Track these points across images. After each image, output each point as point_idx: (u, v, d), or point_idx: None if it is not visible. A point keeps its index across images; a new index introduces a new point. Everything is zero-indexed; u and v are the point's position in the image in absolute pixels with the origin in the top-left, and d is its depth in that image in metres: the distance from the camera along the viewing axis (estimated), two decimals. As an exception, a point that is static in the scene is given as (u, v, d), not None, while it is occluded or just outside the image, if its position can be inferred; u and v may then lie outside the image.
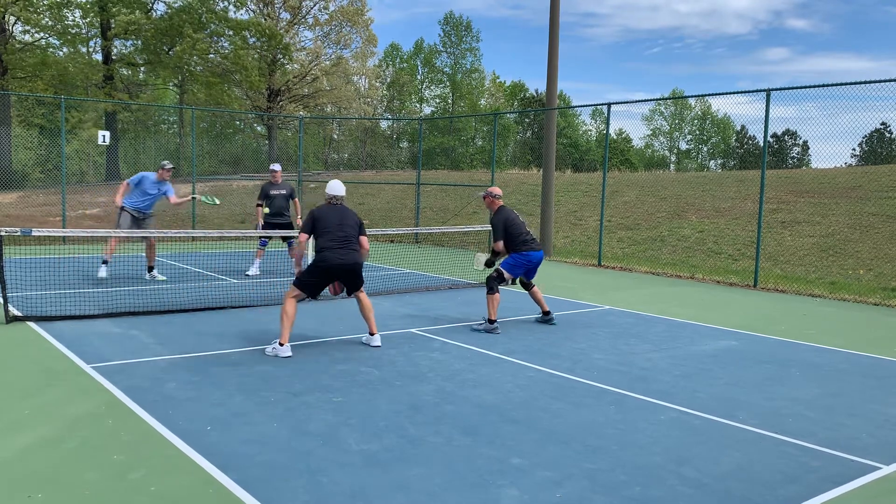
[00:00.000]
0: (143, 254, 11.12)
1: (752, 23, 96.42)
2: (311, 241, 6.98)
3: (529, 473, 3.93)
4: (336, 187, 6.98)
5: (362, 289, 6.92)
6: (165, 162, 10.34)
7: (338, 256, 6.60)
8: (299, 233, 6.89)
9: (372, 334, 6.91)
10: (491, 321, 7.72)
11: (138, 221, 10.22)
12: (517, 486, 3.76)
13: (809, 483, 3.93)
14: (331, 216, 6.77)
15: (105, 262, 10.39)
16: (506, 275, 7.88)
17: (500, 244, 7.92)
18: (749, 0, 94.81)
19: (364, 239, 6.86)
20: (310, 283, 6.69)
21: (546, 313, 8.27)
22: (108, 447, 4.13)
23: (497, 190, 8.25)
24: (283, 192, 11.24)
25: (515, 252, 7.92)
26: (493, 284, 7.79)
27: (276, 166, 11.35)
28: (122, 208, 10.17)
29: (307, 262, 8.46)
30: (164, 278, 10.57)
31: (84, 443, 4.19)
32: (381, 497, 3.59)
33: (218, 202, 10.69)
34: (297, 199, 11.61)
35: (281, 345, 6.37)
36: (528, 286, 8.28)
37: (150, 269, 10.58)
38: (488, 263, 8.30)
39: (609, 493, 3.72)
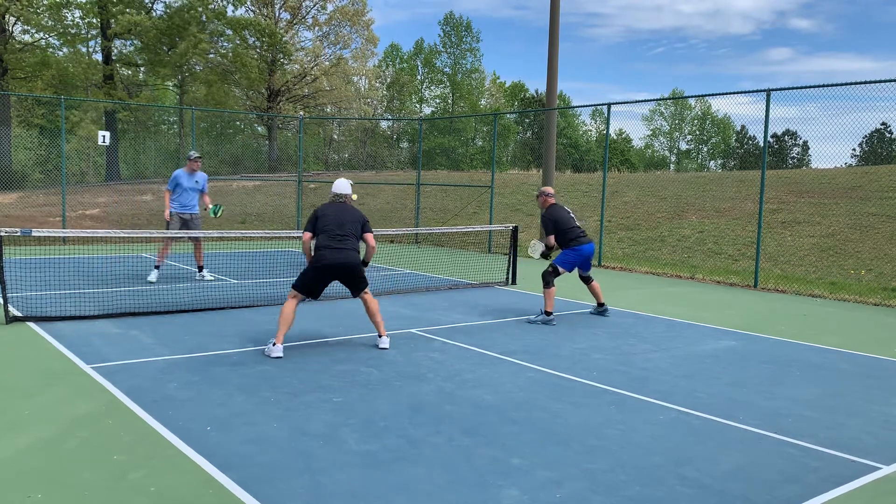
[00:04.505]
0: (192, 253, 11.17)
1: (756, 23, 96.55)
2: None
3: (529, 473, 3.93)
4: (340, 185, 6.94)
5: (367, 290, 6.81)
6: (191, 152, 10.39)
7: (334, 256, 6.50)
8: (303, 231, 6.84)
9: (380, 336, 6.81)
10: (548, 313, 8.16)
11: (187, 223, 10.27)
12: (517, 486, 3.75)
13: (809, 483, 3.93)
14: (331, 214, 6.70)
15: (157, 266, 10.36)
16: (560, 269, 8.35)
17: (552, 239, 8.40)
18: (753, 0, 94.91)
19: (369, 236, 6.78)
20: (307, 284, 6.60)
21: (600, 305, 8.79)
22: (108, 447, 4.12)
23: (549, 189, 8.80)
24: None
25: (566, 248, 8.39)
26: (548, 279, 8.30)
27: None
28: (171, 214, 10.20)
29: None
30: (213, 278, 10.64)
31: (84, 443, 4.19)
32: (381, 497, 3.58)
33: (219, 213, 10.59)
34: None
35: (274, 345, 6.33)
36: (586, 280, 8.79)
37: (200, 269, 10.68)
38: (544, 255, 8.77)
39: (609, 493, 3.72)
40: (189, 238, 10.65)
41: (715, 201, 18.39)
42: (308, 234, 6.73)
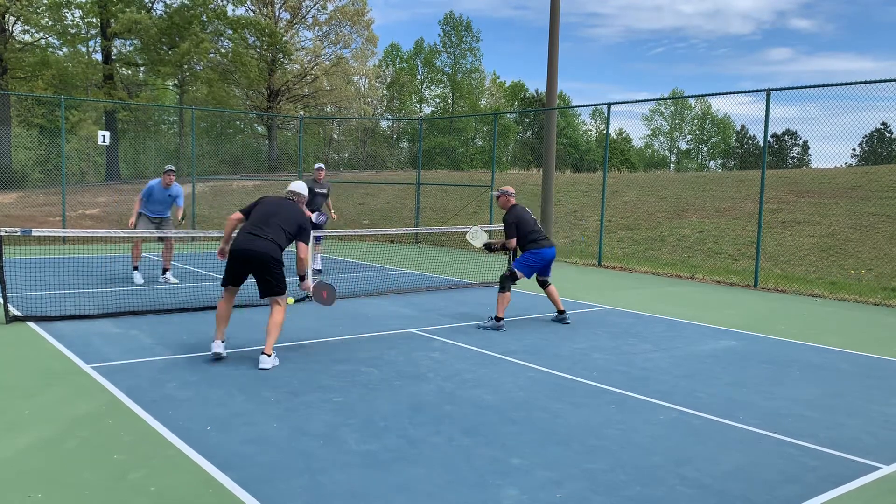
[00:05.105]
0: (160, 254, 11.15)
1: (756, 23, 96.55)
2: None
3: (529, 473, 3.93)
4: (295, 185, 6.60)
5: (280, 300, 6.08)
6: (167, 166, 10.34)
7: (246, 242, 5.96)
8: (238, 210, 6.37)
9: (263, 353, 5.94)
10: (498, 319, 7.85)
11: (159, 226, 10.24)
12: (517, 486, 3.75)
13: (809, 483, 3.93)
14: (269, 206, 6.26)
15: (136, 268, 10.32)
16: (518, 274, 8.00)
17: (513, 242, 8.06)
18: (753, 0, 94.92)
19: (301, 246, 6.22)
20: (225, 272, 6.12)
21: (561, 312, 8.36)
22: (108, 447, 4.13)
23: (510, 189, 8.46)
24: (324, 191, 11.64)
25: (526, 251, 8.05)
26: (506, 283, 7.93)
27: (320, 165, 11.70)
28: (140, 214, 10.16)
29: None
30: (177, 281, 10.45)
31: (84, 443, 4.19)
32: (381, 497, 3.58)
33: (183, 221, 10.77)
34: (330, 200, 12.03)
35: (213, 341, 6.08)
36: (543, 284, 8.36)
37: (165, 271, 10.49)
38: (488, 247, 8.52)
39: (609, 493, 3.72)
40: (159, 239, 10.61)
41: (715, 201, 18.39)
42: (237, 214, 6.31)
